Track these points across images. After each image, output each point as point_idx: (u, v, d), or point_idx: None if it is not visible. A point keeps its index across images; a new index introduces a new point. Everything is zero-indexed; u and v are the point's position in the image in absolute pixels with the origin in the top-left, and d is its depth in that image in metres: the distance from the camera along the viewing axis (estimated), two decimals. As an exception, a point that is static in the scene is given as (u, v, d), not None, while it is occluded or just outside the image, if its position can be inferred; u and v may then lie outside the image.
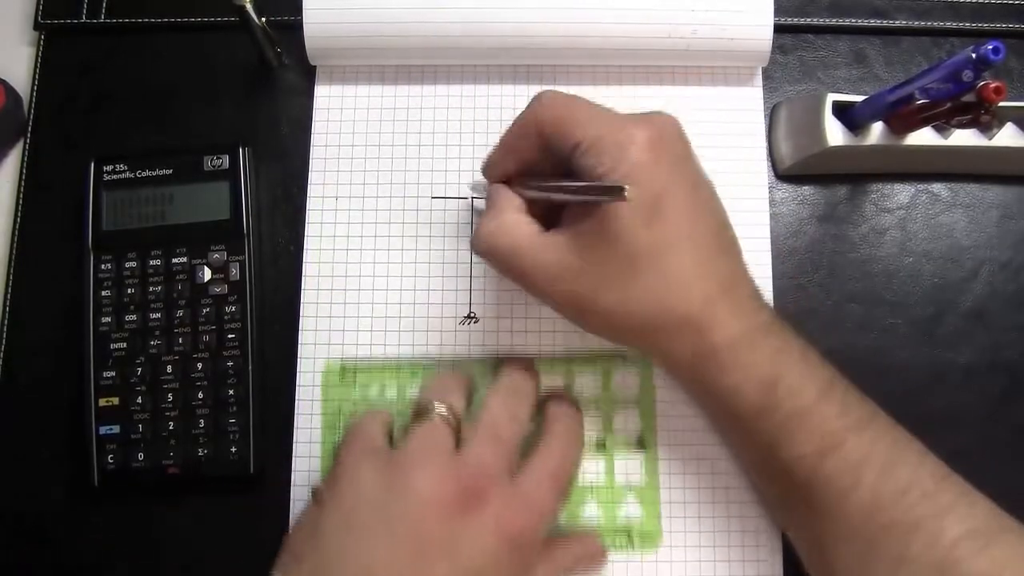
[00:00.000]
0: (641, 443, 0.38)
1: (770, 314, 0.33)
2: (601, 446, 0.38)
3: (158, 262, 0.39)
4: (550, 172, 0.34)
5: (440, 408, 0.33)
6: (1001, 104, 0.34)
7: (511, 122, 0.34)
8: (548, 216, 0.34)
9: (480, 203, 0.41)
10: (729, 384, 0.32)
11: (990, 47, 0.32)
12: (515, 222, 0.33)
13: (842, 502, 0.31)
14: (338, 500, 0.31)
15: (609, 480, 0.38)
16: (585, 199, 0.31)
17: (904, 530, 0.30)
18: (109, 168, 0.40)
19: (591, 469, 0.38)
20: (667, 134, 0.32)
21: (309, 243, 0.41)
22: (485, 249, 0.33)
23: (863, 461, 0.31)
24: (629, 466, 0.38)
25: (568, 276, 0.32)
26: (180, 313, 0.39)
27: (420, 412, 0.34)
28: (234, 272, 0.39)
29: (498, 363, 0.39)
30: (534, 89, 0.42)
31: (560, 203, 0.33)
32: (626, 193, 0.28)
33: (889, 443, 0.31)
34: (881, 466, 0.31)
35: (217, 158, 0.40)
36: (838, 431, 0.31)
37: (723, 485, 0.38)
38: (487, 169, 0.36)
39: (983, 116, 0.35)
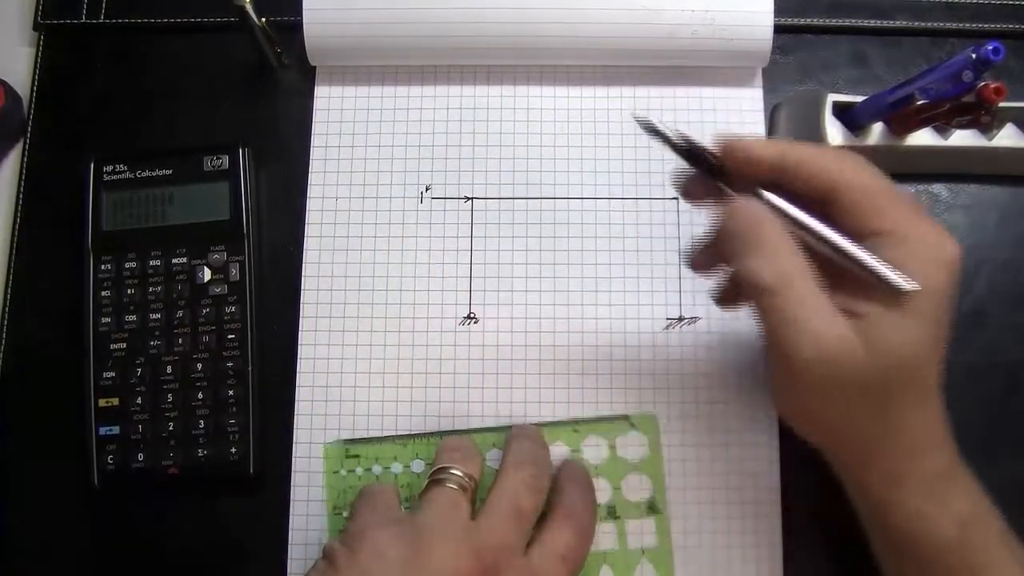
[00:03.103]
0: (652, 507, 0.38)
1: (959, 454, 0.32)
2: (612, 511, 0.38)
3: (158, 262, 0.39)
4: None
5: (456, 472, 0.33)
6: (1001, 105, 0.34)
7: (805, 148, 0.31)
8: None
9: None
10: (927, 511, 0.31)
11: (990, 48, 0.32)
12: (809, 272, 0.29)
13: None
14: (357, 567, 0.30)
15: (622, 544, 0.38)
16: (868, 276, 0.29)
17: None
18: (109, 168, 0.40)
19: (603, 534, 0.38)
20: (960, 259, 0.30)
21: (309, 243, 0.41)
22: (774, 285, 0.29)
23: None
24: (641, 530, 0.38)
25: (843, 362, 0.29)
26: (180, 313, 0.39)
27: (436, 477, 0.33)
28: (234, 272, 0.39)
29: (501, 431, 0.38)
30: (534, 90, 0.42)
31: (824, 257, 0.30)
32: (909, 289, 0.28)
33: None
34: None
35: (217, 158, 0.40)
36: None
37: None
38: (739, 151, 0.31)
39: (983, 117, 0.35)
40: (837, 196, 0.30)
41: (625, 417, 0.39)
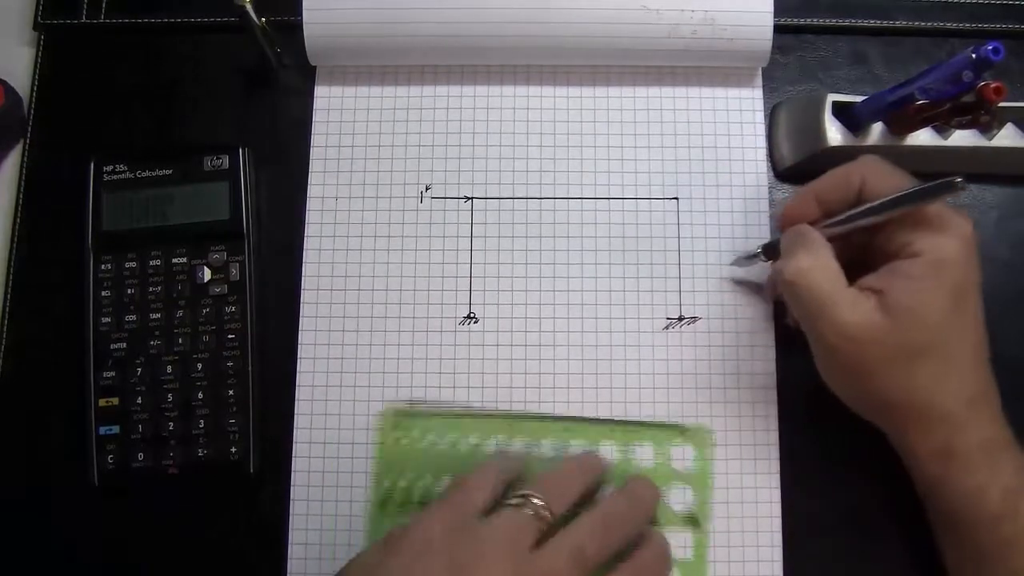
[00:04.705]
0: (692, 520, 0.38)
1: (1012, 433, 0.34)
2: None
3: (158, 262, 0.39)
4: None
5: (537, 501, 0.32)
6: (1001, 104, 0.34)
7: (822, 177, 0.36)
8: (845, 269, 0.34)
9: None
10: (974, 484, 0.32)
11: (990, 47, 0.32)
12: (830, 265, 0.33)
13: None
14: (402, 558, 0.30)
15: None
16: (912, 206, 0.32)
17: None
18: (109, 168, 0.40)
19: None
20: (974, 234, 0.33)
21: (309, 243, 0.41)
22: (794, 281, 0.33)
23: None
24: (677, 541, 0.37)
25: (866, 339, 0.32)
26: (180, 313, 0.39)
27: (516, 501, 0.32)
28: (234, 272, 0.39)
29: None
30: (534, 90, 0.42)
31: (856, 251, 0.35)
32: (959, 183, 0.30)
33: None
34: None
35: (217, 158, 0.40)
36: None
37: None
38: (787, 214, 0.37)
39: (983, 116, 0.35)
40: (865, 192, 0.34)
41: (676, 426, 0.39)
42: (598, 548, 0.32)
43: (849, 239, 0.35)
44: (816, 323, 0.33)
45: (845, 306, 0.32)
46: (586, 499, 0.34)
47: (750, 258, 0.39)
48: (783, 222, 0.37)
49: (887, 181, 0.34)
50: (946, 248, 0.32)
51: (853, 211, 0.34)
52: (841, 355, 0.33)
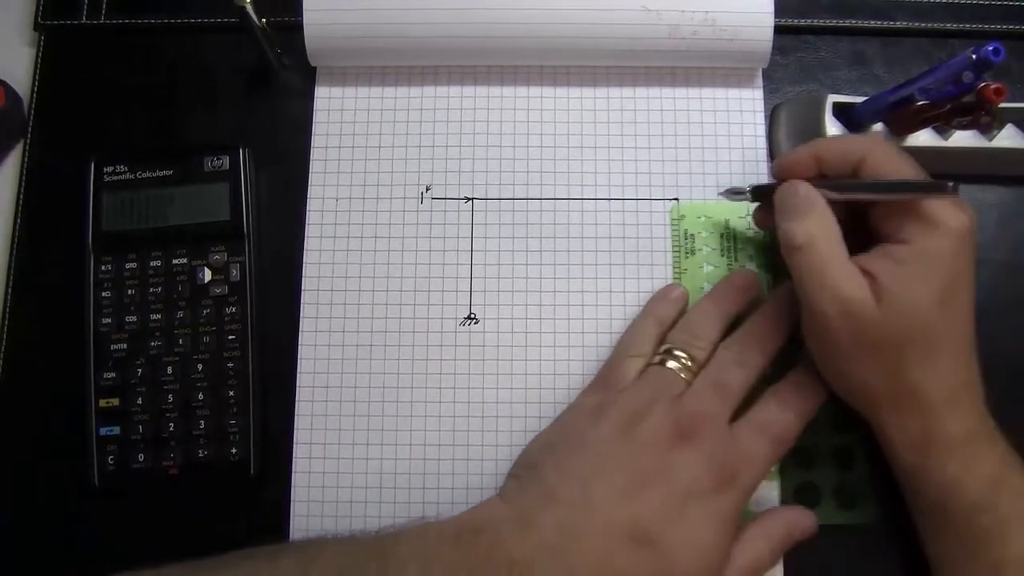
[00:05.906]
0: None
1: (995, 425, 0.34)
2: None
3: (158, 263, 0.39)
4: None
5: (679, 354, 0.35)
6: (1001, 105, 0.34)
7: (829, 137, 0.36)
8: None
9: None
10: (952, 475, 0.32)
11: (990, 48, 0.32)
12: (836, 234, 0.33)
13: None
14: (568, 420, 0.36)
15: None
16: (901, 197, 0.33)
17: None
18: (109, 169, 0.40)
19: None
20: (974, 226, 0.33)
21: (309, 243, 0.41)
22: (805, 245, 0.33)
23: None
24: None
25: (859, 317, 0.32)
26: (180, 314, 0.39)
27: (662, 357, 0.36)
28: (234, 273, 0.39)
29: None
30: (534, 90, 0.42)
31: (849, 220, 0.34)
32: (950, 188, 0.31)
33: None
34: None
35: (217, 159, 0.40)
36: None
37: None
38: (784, 164, 0.36)
39: (983, 117, 0.35)
40: (864, 167, 0.34)
41: None
42: (741, 376, 0.35)
43: (844, 206, 0.34)
44: (816, 292, 0.32)
45: (845, 280, 0.32)
46: (733, 327, 0.37)
47: (737, 194, 0.39)
48: (778, 171, 0.37)
49: (889, 164, 0.34)
50: (934, 240, 0.32)
51: (850, 182, 0.34)
52: (833, 329, 0.32)
